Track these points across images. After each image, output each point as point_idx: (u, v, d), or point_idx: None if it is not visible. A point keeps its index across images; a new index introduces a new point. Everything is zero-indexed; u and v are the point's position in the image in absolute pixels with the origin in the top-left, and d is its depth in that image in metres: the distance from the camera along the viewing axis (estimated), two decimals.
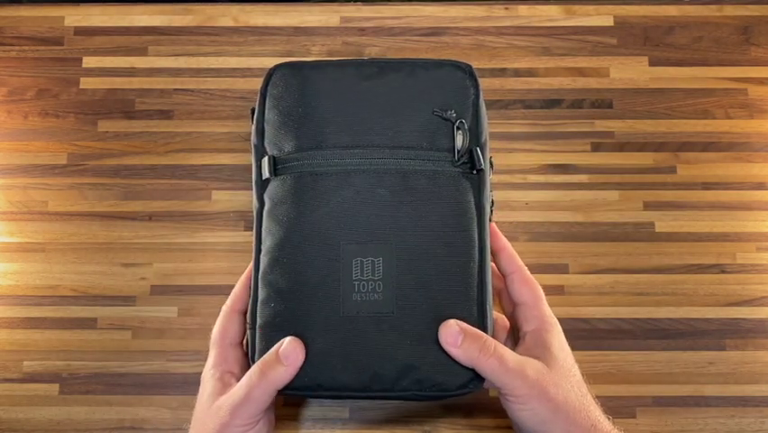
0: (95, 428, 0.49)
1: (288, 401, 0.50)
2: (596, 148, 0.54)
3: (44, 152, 0.54)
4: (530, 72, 0.56)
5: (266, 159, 0.42)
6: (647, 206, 0.53)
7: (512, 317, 0.44)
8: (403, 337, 0.39)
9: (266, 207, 0.42)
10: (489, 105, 0.55)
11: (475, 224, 0.41)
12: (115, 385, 0.50)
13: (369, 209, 0.40)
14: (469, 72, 0.44)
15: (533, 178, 0.54)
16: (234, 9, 0.57)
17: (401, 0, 0.59)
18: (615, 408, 0.50)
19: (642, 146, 0.54)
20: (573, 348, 0.51)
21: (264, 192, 0.42)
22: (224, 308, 0.42)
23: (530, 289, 0.43)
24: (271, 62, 0.45)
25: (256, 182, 0.43)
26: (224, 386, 0.39)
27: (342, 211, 0.40)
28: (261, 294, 0.40)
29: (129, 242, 0.52)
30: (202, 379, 0.41)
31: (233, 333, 0.42)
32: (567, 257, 0.52)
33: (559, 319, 0.51)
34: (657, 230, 0.53)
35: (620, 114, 0.55)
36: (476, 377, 0.39)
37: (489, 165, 0.43)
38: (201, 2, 0.58)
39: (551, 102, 0.55)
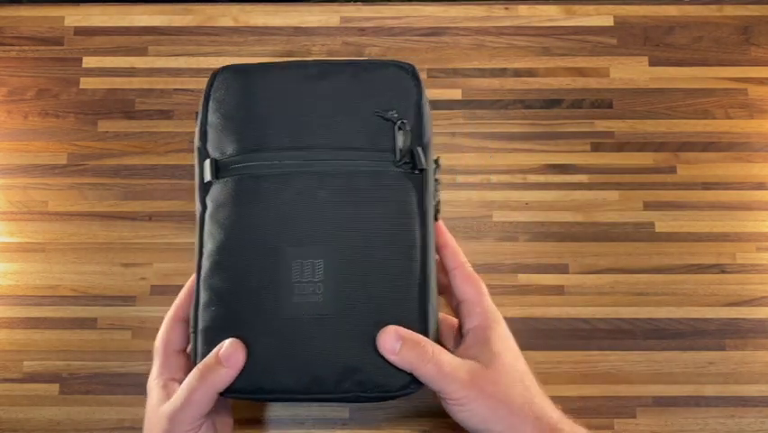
0: (95, 428, 0.49)
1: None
2: (596, 148, 0.54)
3: (44, 151, 0.54)
4: (530, 72, 0.56)
5: (207, 162, 0.42)
6: (647, 206, 0.53)
7: (458, 315, 0.44)
8: (344, 339, 0.38)
9: (208, 211, 0.41)
10: (489, 105, 0.55)
11: (417, 224, 0.41)
12: (115, 385, 0.50)
13: (309, 211, 0.40)
14: (411, 72, 0.43)
15: (533, 178, 0.54)
16: (234, 9, 0.57)
17: (401, 0, 0.59)
18: (615, 408, 0.50)
19: (642, 146, 0.54)
20: (573, 348, 0.51)
21: (207, 195, 0.42)
22: (167, 316, 0.42)
23: (472, 285, 0.43)
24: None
25: (198, 185, 0.42)
26: (168, 394, 0.38)
27: (283, 213, 0.40)
28: (203, 297, 0.40)
29: (129, 242, 0.52)
30: (147, 389, 0.40)
31: (176, 341, 0.41)
32: (567, 257, 0.52)
33: (559, 319, 0.51)
34: (657, 230, 0.53)
35: (620, 114, 0.55)
36: (417, 378, 0.38)
37: (432, 165, 0.43)
38: (201, 2, 0.58)
39: (551, 102, 0.55)
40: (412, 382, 0.38)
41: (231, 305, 0.39)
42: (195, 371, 0.37)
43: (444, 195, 0.53)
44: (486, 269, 0.52)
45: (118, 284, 0.52)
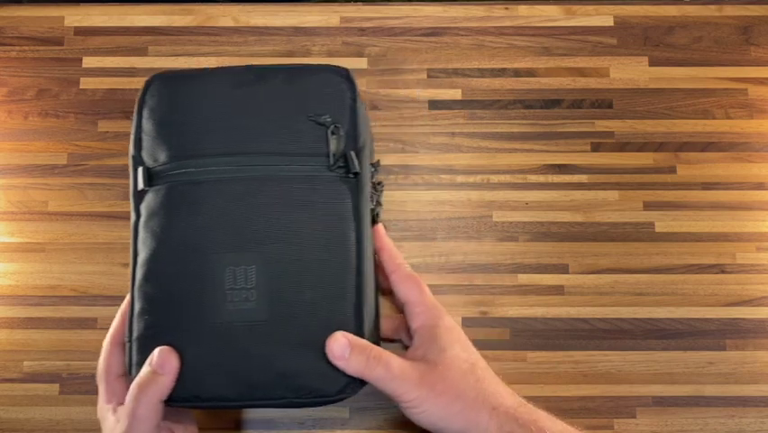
0: (95, 428, 0.49)
1: None
2: (596, 148, 0.54)
3: (44, 152, 0.54)
4: (530, 72, 0.56)
5: (140, 169, 0.41)
6: (647, 206, 0.53)
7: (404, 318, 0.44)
8: (278, 345, 0.38)
9: (141, 219, 0.41)
10: (489, 105, 0.55)
11: (353, 228, 0.41)
12: None
13: (242, 217, 0.40)
14: (345, 76, 0.43)
15: (533, 178, 0.54)
16: (234, 9, 0.57)
17: (401, 0, 0.59)
18: (615, 408, 0.50)
19: (642, 146, 0.54)
20: (574, 348, 0.51)
21: (141, 204, 0.42)
22: (105, 342, 0.42)
23: (411, 285, 0.43)
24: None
25: (132, 194, 0.42)
26: (118, 420, 0.38)
27: (215, 220, 0.40)
28: (137, 306, 0.40)
29: (129, 242, 0.52)
30: (99, 418, 0.40)
31: (116, 366, 0.41)
32: (567, 257, 0.52)
33: (559, 319, 0.51)
34: (657, 230, 0.53)
35: (620, 114, 0.55)
36: (353, 381, 0.38)
37: (369, 168, 0.43)
38: (201, 2, 0.58)
39: (551, 102, 0.55)
40: (348, 386, 0.38)
41: (164, 313, 0.39)
42: (132, 387, 0.37)
43: (444, 195, 0.53)
44: (486, 269, 0.52)
45: (118, 284, 0.52)
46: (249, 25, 0.57)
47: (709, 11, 0.57)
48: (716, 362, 0.50)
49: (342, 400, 0.39)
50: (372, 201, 0.44)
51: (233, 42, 0.56)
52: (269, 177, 0.40)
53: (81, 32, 0.57)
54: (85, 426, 0.49)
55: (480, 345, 0.51)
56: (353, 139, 0.42)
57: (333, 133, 0.41)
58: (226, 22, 0.57)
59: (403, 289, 0.43)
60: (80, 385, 0.50)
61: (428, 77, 0.56)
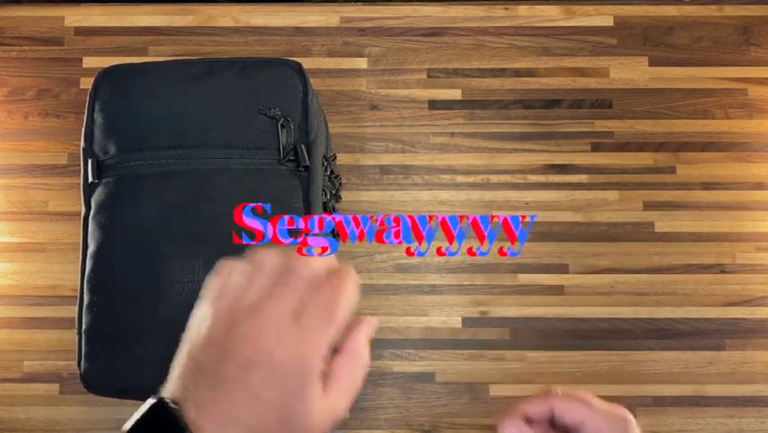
0: (95, 428, 0.49)
1: None
2: (596, 148, 0.54)
3: (44, 152, 0.54)
4: (530, 72, 0.56)
5: (90, 162, 0.41)
6: (647, 206, 0.53)
7: None
8: None
9: (91, 212, 0.41)
10: (489, 105, 0.55)
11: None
12: None
13: (189, 210, 0.40)
14: (297, 70, 0.43)
15: (533, 178, 0.54)
16: (235, 9, 0.57)
17: (401, 0, 0.59)
18: None
19: (642, 146, 0.54)
20: (574, 348, 0.51)
21: (91, 196, 0.42)
22: None
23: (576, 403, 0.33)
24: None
25: (83, 187, 0.42)
26: None
27: (161, 213, 0.40)
28: (86, 299, 0.40)
29: None
30: None
31: None
32: (567, 257, 0.52)
33: (559, 319, 0.51)
34: (657, 230, 0.53)
35: (620, 114, 0.55)
36: None
37: (321, 162, 0.43)
38: (201, 2, 0.58)
39: (551, 102, 0.55)
40: None
41: (111, 306, 0.39)
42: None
43: (444, 195, 0.53)
44: (486, 269, 0.52)
45: None
46: (249, 25, 0.57)
47: (709, 11, 0.57)
48: (715, 362, 0.50)
49: None
50: (326, 194, 0.44)
51: (233, 43, 0.56)
52: (219, 170, 0.40)
53: (81, 32, 0.57)
54: (85, 425, 0.49)
55: (481, 344, 0.51)
56: (305, 132, 0.42)
57: (282, 127, 0.41)
58: (226, 22, 0.57)
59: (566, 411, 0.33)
60: (80, 385, 0.50)
61: (428, 77, 0.56)
